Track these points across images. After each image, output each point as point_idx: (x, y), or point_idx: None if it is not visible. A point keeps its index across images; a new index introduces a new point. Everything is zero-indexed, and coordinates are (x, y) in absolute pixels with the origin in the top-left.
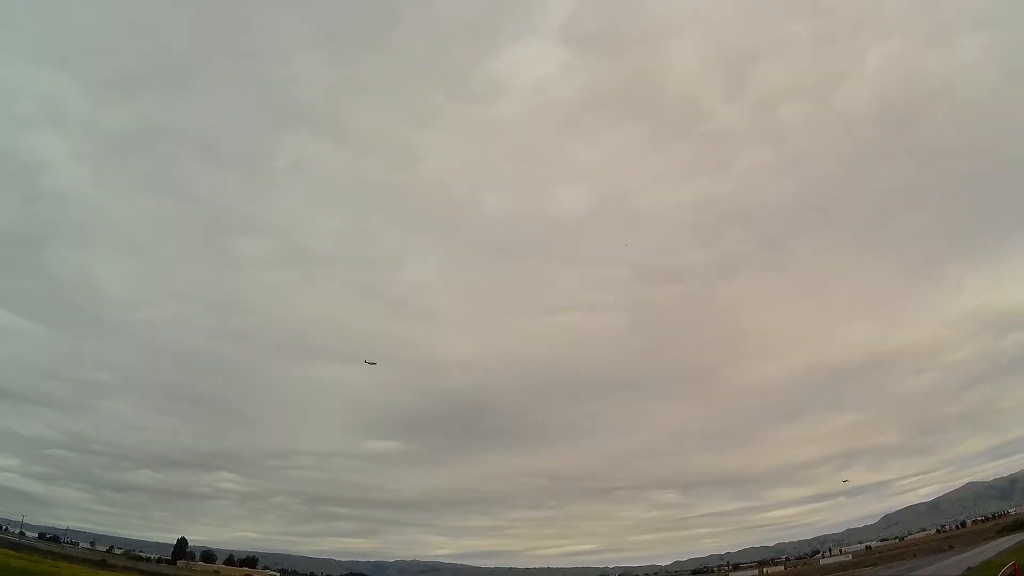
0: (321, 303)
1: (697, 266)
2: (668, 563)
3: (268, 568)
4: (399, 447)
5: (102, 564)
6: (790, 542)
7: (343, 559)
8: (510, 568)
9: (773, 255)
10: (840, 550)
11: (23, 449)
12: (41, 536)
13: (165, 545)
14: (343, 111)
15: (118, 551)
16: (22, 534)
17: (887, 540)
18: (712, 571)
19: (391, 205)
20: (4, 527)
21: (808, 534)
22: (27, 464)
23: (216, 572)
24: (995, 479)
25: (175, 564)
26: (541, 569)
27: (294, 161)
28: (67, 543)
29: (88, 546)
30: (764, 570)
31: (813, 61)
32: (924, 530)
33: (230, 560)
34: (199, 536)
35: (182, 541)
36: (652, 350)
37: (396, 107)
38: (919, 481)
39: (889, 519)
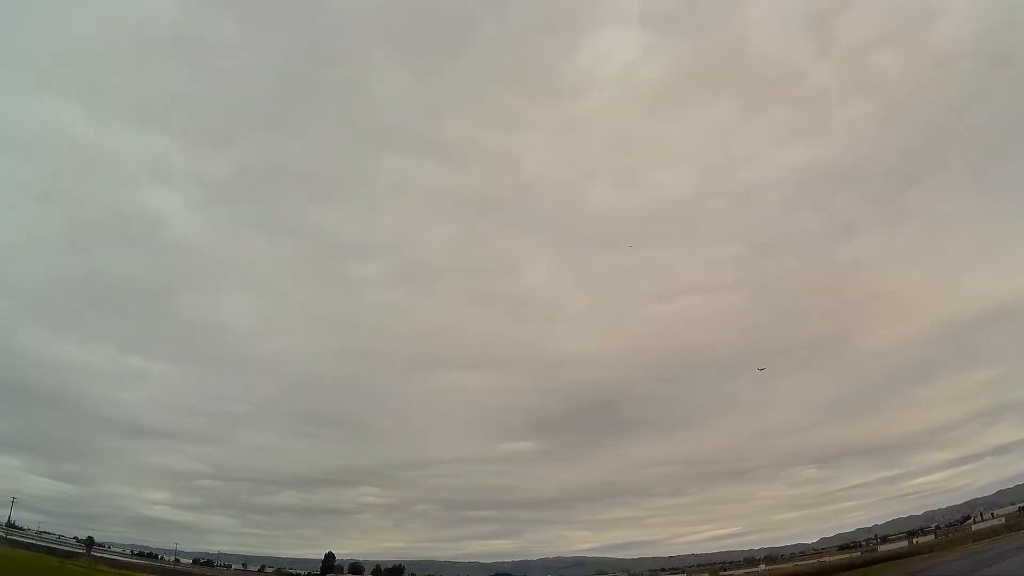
0: (441, 314)
1: (810, 232)
2: (814, 540)
3: (415, 575)
4: (533, 447)
5: None
6: (939, 509)
7: (487, 561)
8: (653, 558)
9: (885, 211)
10: (992, 514)
11: (173, 483)
12: (195, 562)
13: (313, 561)
14: (435, 126)
15: (269, 570)
16: (177, 561)
17: None
18: (860, 545)
19: (497, 211)
20: (160, 556)
21: (957, 499)
22: (177, 496)
23: None
24: None
25: None
26: (684, 556)
27: (396, 182)
28: (220, 566)
29: (240, 567)
30: (914, 541)
31: (900, 2)
32: None
33: (377, 571)
34: (346, 550)
35: (329, 556)
36: (774, 323)
37: (486, 113)
38: None
39: None
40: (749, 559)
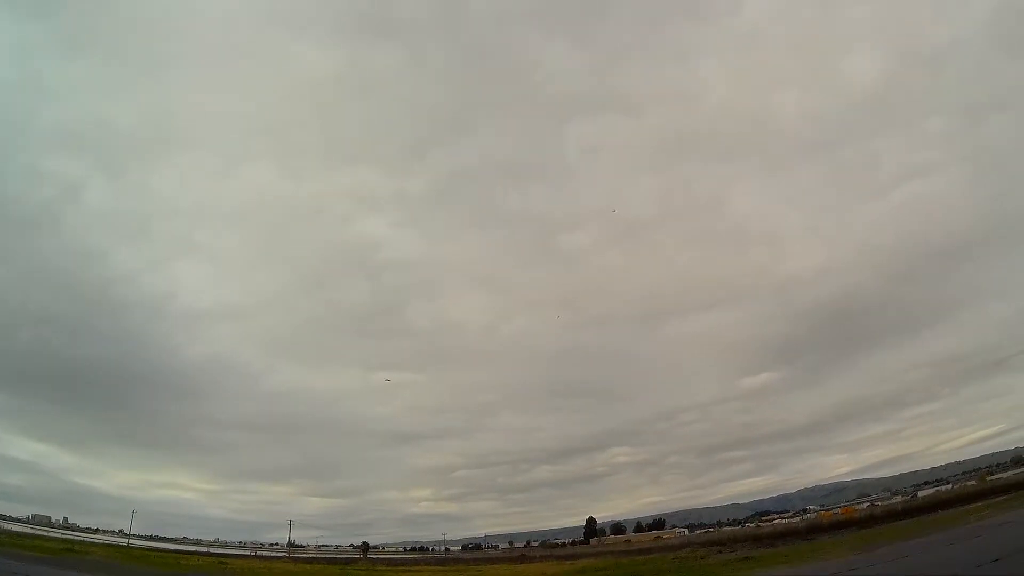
0: (658, 266)
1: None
2: None
3: (676, 526)
4: (775, 376)
5: (521, 558)
6: None
7: (746, 501)
8: (914, 472)
9: None
10: None
11: (434, 479)
12: (464, 548)
13: (576, 529)
14: (607, 82)
15: (534, 544)
16: (447, 550)
17: None
18: None
19: (690, 148)
20: (430, 548)
21: None
22: (440, 490)
23: (627, 541)
24: None
25: (588, 543)
26: (947, 465)
27: (586, 147)
28: (488, 547)
29: (507, 546)
30: None
31: None
32: None
33: (639, 528)
34: (606, 513)
35: (591, 521)
36: (1003, 191)
37: (655, 55)
38: None
39: None
40: (1017, 458)
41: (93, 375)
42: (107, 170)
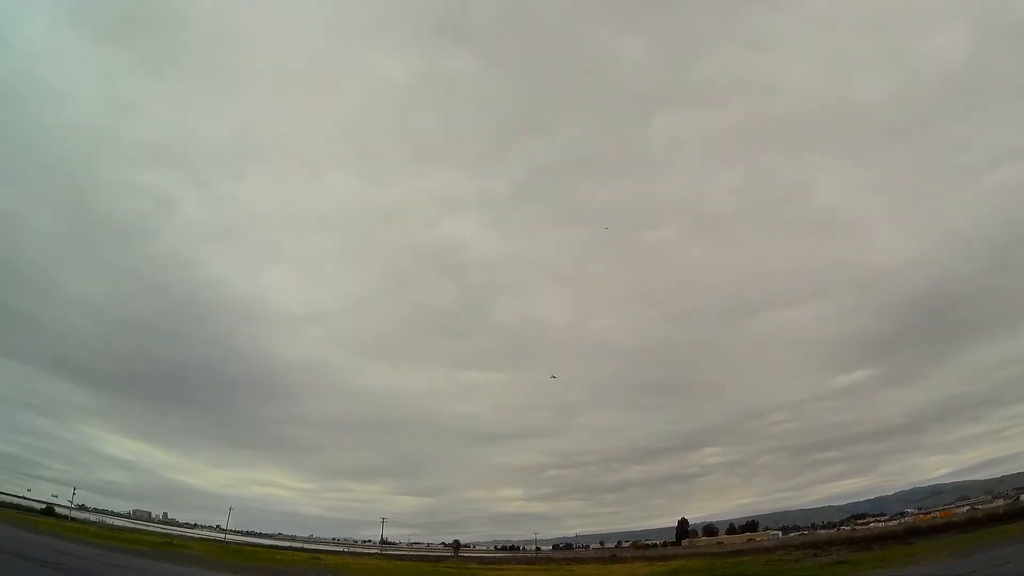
0: (743, 259)
1: None
2: None
3: (769, 528)
4: (868, 374)
5: (612, 558)
6: None
7: (841, 503)
8: (1016, 474)
9: None
10: None
11: (524, 478)
12: (555, 547)
13: (668, 529)
14: (686, 75)
15: (625, 544)
16: (538, 549)
17: None
18: None
19: (771, 138)
20: (521, 547)
21: None
22: (530, 490)
23: (719, 543)
24: None
25: (679, 544)
26: None
27: (667, 141)
28: (579, 547)
29: (598, 545)
30: None
31: None
32: None
33: (731, 529)
34: (698, 513)
35: (682, 521)
36: None
37: (731, 48)
38: None
39: None
40: None
41: (189, 377)
42: (197, 182)
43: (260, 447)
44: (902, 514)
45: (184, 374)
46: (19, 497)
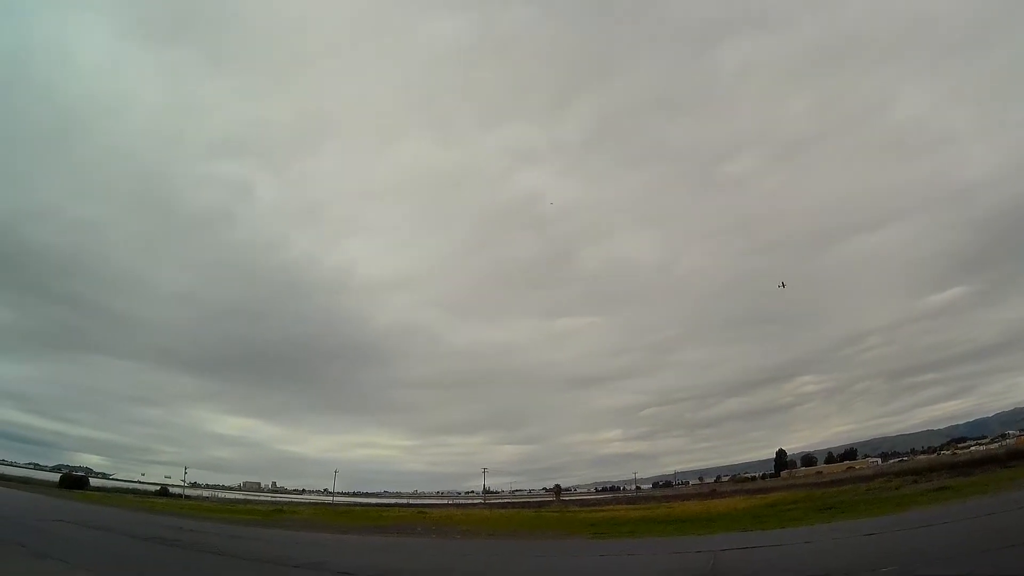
0: (823, 183)
1: None
2: None
3: (868, 456)
4: (963, 291)
5: (712, 494)
6: None
7: (940, 427)
8: None
9: None
10: None
11: (621, 419)
12: (655, 485)
13: (766, 462)
14: (747, 1)
15: (724, 479)
16: (637, 488)
17: None
18: None
19: (849, 55)
20: (621, 487)
21: None
22: (628, 430)
23: (818, 473)
24: None
25: (778, 476)
26: None
27: (739, 66)
28: (678, 484)
29: (697, 482)
30: None
31: None
32: None
33: (829, 458)
34: (796, 444)
35: (780, 453)
36: None
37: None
38: None
39: None
40: None
41: (288, 354)
42: (271, 166)
43: (362, 412)
44: (1003, 436)
45: (282, 351)
46: (134, 482)
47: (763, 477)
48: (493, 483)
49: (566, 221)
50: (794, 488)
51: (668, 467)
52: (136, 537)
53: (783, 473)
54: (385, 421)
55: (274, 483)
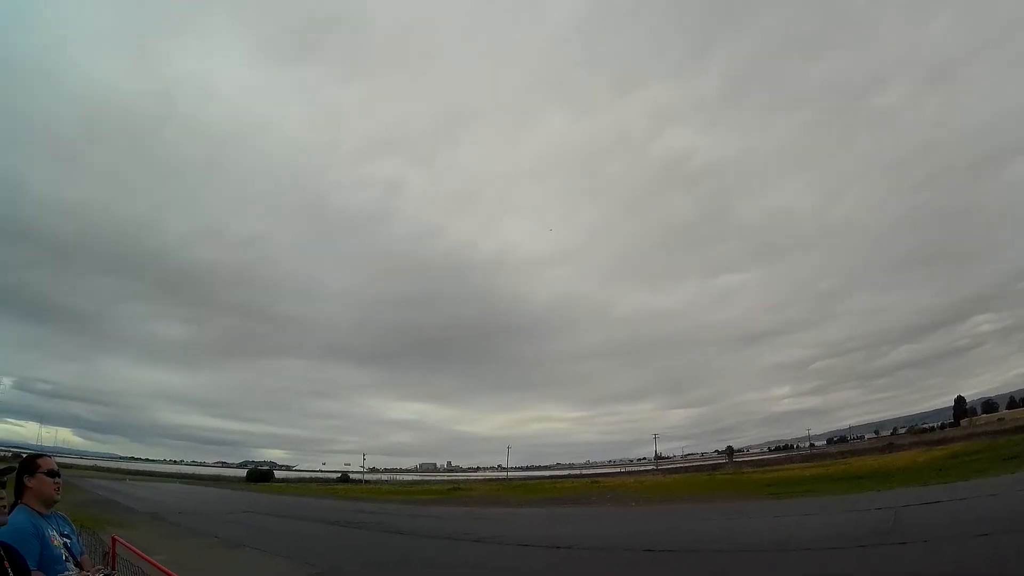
0: (981, 104)
1: None
2: None
3: None
4: None
5: (889, 447)
6: None
7: None
8: None
9: None
10: None
11: (790, 375)
12: (829, 441)
13: (945, 410)
14: None
15: (901, 430)
16: (811, 445)
17: None
18: None
19: None
20: (794, 445)
21: None
22: (798, 385)
23: (1000, 420)
24: None
25: (958, 425)
26: None
27: None
28: (853, 439)
29: (873, 435)
30: None
31: None
32: None
33: (1012, 403)
34: (975, 390)
35: (959, 400)
36: None
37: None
38: None
39: None
40: None
41: (454, 337)
42: (419, 161)
43: (531, 387)
44: None
45: (449, 335)
46: (316, 471)
47: (941, 427)
48: (664, 448)
49: (716, 176)
50: (975, 437)
51: (842, 421)
52: (322, 522)
53: (963, 422)
54: (554, 394)
55: (449, 463)
